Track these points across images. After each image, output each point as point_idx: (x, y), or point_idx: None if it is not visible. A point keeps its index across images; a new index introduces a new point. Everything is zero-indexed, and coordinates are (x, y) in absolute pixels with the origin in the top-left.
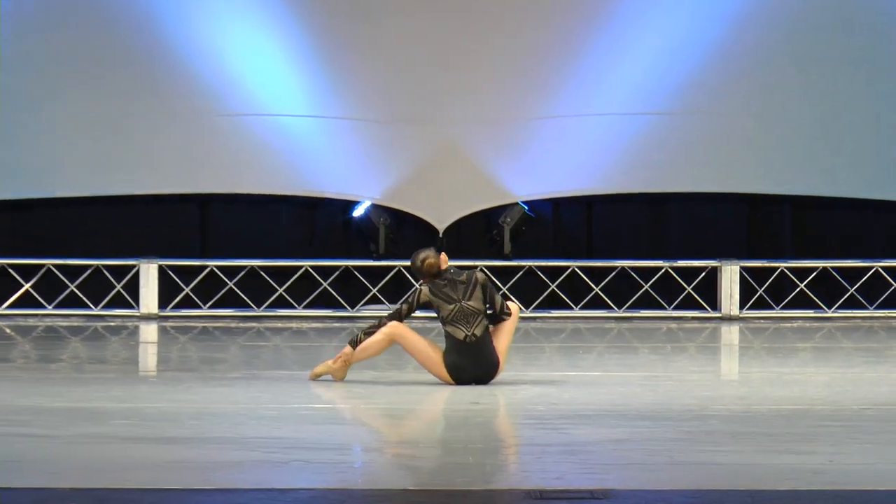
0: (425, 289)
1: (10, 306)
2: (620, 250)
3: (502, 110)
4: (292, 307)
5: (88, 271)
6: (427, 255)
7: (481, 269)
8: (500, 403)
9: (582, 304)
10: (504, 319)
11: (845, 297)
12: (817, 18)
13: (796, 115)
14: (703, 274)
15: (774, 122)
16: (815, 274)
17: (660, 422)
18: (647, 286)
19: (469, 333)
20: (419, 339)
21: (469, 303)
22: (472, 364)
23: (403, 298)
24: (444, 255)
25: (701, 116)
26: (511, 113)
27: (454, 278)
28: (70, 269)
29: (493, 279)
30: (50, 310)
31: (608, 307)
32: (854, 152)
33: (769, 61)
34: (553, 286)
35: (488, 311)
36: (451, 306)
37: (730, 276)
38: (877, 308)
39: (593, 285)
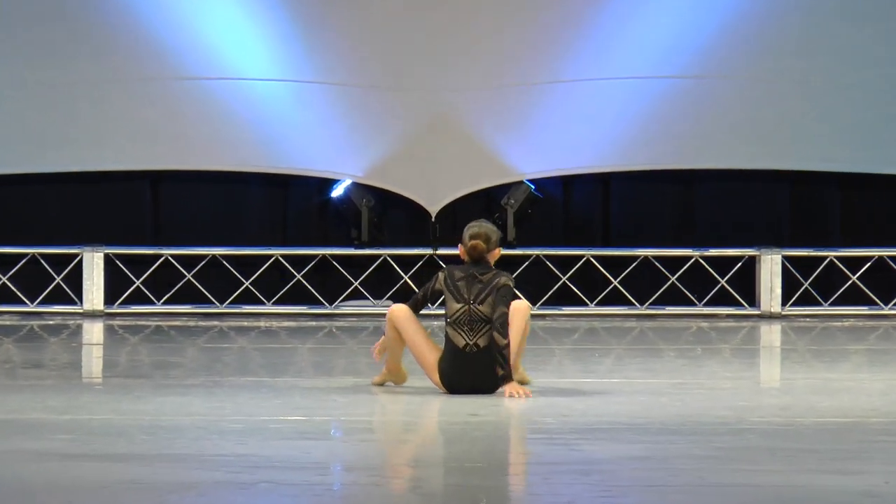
0: (442, 275)
1: None
2: (642, 236)
3: (504, 74)
4: (260, 303)
5: (23, 261)
6: (476, 236)
7: (509, 275)
8: (502, 415)
9: (598, 299)
10: (497, 332)
11: None
12: None
13: (846, 79)
14: (740, 264)
15: (821, 88)
16: (869, 264)
17: (688, 437)
18: (673, 278)
19: (471, 343)
20: (418, 331)
21: (479, 307)
22: (468, 379)
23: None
24: (499, 250)
25: (735, 81)
26: (514, 77)
27: (476, 273)
28: (1, 258)
29: None
30: None
31: (628, 303)
32: None
33: (815, 17)
34: (564, 278)
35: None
36: (459, 306)
37: (770, 266)
38: None
39: (611, 277)
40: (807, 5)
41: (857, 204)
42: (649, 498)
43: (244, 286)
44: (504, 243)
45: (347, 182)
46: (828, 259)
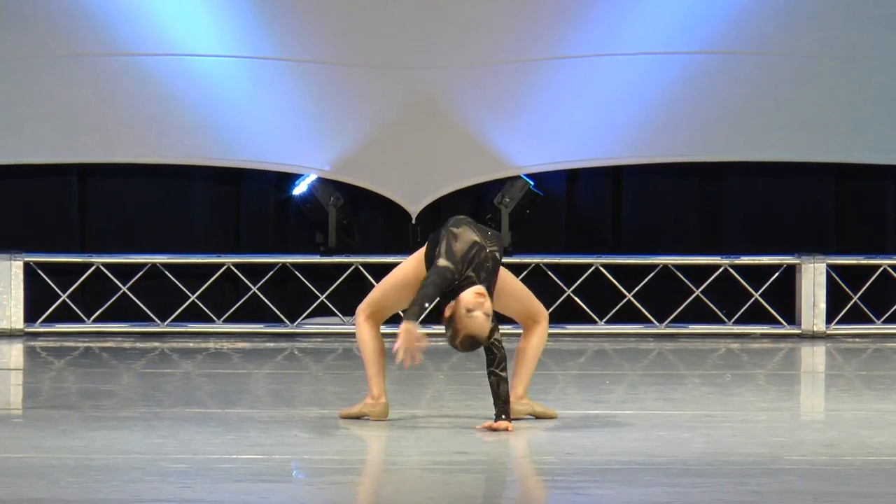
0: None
1: None
2: (661, 242)
3: (498, 48)
4: (209, 320)
5: None
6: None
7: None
8: (494, 454)
9: (609, 316)
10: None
11: None
12: None
13: None
14: (777, 275)
15: (874, 66)
16: None
17: (715, 478)
18: (698, 291)
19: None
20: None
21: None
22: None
23: None
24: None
25: (767, 58)
26: (509, 53)
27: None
28: None
29: None
30: None
31: (645, 321)
32: None
33: None
34: (569, 291)
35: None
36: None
37: (812, 277)
38: None
39: (624, 290)
40: None
41: None
42: None
43: (189, 301)
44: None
45: (312, 177)
46: (881, 268)
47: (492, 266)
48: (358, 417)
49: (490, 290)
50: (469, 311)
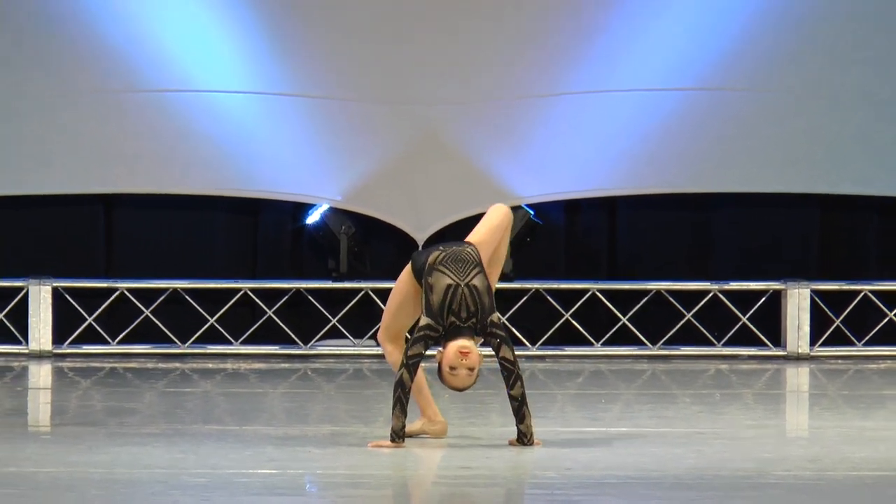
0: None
1: None
2: (654, 269)
3: (500, 85)
4: (227, 342)
5: None
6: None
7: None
8: (497, 468)
9: (605, 338)
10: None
11: None
12: None
13: (882, 94)
14: (763, 300)
15: (853, 104)
16: None
17: (705, 492)
18: (689, 315)
19: None
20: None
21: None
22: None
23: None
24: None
25: (756, 95)
26: (511, 89)
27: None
28: None
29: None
30: None
31: (639, 343)
32: None
33: (848, 25)
34: (567, 315)
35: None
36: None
37: (797, 301)
38: None
39: (619, 314)
40: (839, 11)
41: (895, 232)
42: None
43: (209, 324)
44: None
45: (324, 207)
46: (862, 293)
47: (474, 294)
48: (416, 436)
49: (482, 317)
50: (452, 369)
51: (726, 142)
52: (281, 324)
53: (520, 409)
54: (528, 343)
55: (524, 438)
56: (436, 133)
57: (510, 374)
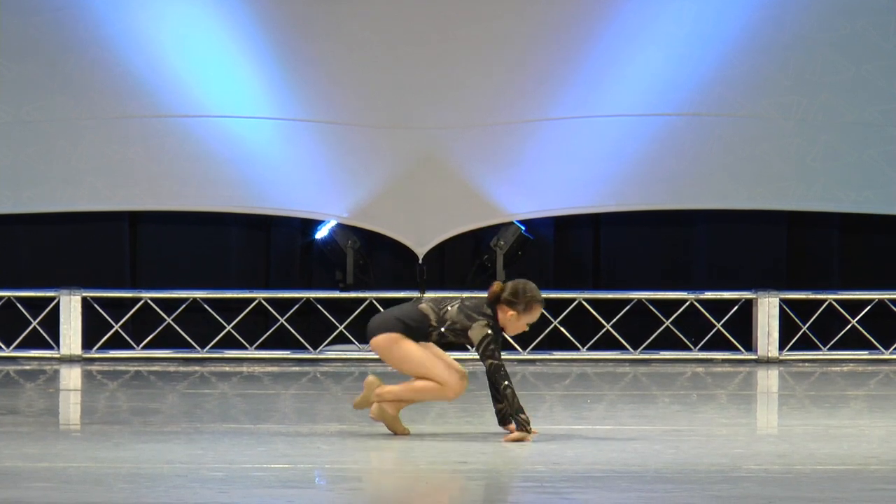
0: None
1: None
2: (635, 279)
3: (494, 111)
4: (242, 347)
5: None
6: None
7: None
8: (492, 463)
9: (590, 343)
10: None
11: None
12: (874, 1)
13: (847, 117)
14: (736, 308)
15: (820, 127)
16: (869, 308)
17: (683, 485)
18: (668, 322)
19: None
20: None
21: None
22: None
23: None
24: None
25: (732, 119)
26: (504, 114)
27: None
28: None
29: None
30: None
31: (621, 347)
32: None
33: (814, 52)
34: (555, 322)
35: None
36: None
37: (767, 309)
38: None
39: (603, 321)
40: (805, 40)
41: (857, 245)
42: None
43: (226, 330)
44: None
45: (332, 223)
46: (827, 302)
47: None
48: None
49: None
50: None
51: (703, 162)
52: (292, 330)
53: (508, 395)
54: (519, 348)
55: (519, 424)
56: (434, 155)
57: (489, 366)
